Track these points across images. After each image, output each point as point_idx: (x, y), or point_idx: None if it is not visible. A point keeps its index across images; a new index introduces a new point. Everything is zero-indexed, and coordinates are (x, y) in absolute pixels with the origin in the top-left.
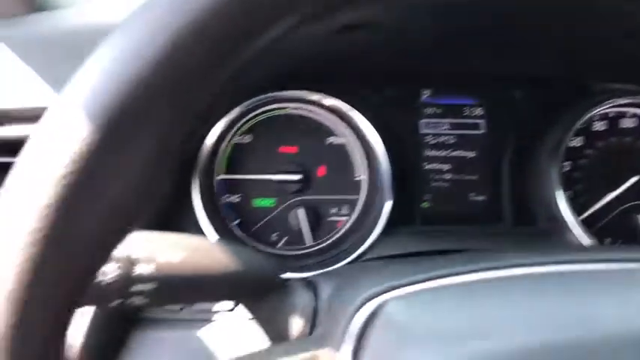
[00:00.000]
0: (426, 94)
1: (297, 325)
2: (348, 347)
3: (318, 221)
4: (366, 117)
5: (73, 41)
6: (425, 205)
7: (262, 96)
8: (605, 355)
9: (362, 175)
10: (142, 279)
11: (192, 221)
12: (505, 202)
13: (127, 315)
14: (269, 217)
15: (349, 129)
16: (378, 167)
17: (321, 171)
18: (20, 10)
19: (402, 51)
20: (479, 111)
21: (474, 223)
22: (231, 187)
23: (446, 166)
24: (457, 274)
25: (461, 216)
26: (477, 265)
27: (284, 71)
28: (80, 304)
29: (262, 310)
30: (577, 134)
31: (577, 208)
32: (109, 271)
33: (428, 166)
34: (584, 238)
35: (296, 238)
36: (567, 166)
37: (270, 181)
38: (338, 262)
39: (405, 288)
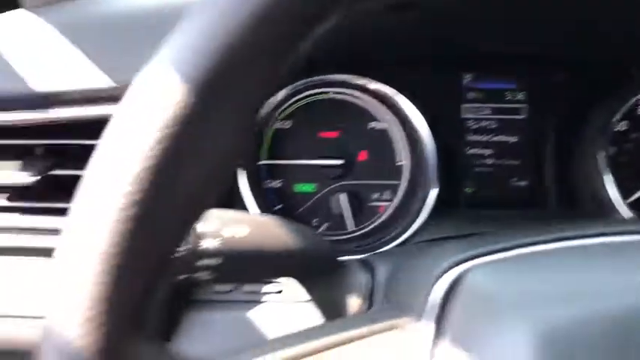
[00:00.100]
0: (467, 79)
1: (354, 303)
2: (430, 316)
3: (359, 206)
4: (410, 101)
5: (124, 24)
6: (468, 190)
7: (306, 80)
8: None
9: (404, 160)
10: (208, 253)
11: (239, 206)
12: (549, 187)
13: (181, 295)
14: (310, 202)
15: (392, 114)
16: (423, 152)
17: (362, 156)
18: None
19: (445, 34)
20: (520, 96)
21: (518, 208)
22: (272, 172)
23: (488, 151)
24: (536, 243)
25: (504, 201)
26: (556, 235)
27: (328, 53)
28: (169, 275)
29: (320, 289)
30: (622, 119)
31: (623, 193)
32: None
33: (470, 151)
34: None
35: (337, 223)
36: (612, 150)
37: (311, 166)
38: (381, 248)
39: (485, 257)
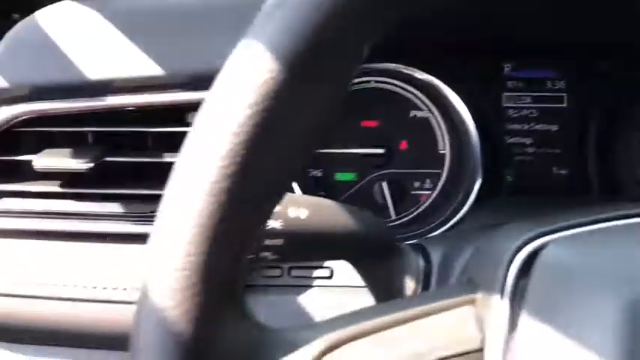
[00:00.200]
0: (508, 68)
1: (409, 286)
2: (507, 290)
3: (400, 195)
4: (453, 90)
5: (172, 12)
6: (509, 178)
7: None
8: None
9: (445, 148)
10: (272, 234)
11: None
12: (591, 175)
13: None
14: (351, 190)
15: (433, 103)
16: (467, 141)
17: (403, 145)
18: None
19: (489, 23)
20: (561, 84)
21: (560, 195)
22: (314, 160)
23: (528, 140)
24: (612, 219)
25: (546, 189)
26: (635, 211)
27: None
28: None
29: (376, 272)
30: None
31: None
32: None
33: (510, 140)
34: None
35: (378, 212)
36: None
37: (353, 155)
38: (424, 236)
39: (562, 232)
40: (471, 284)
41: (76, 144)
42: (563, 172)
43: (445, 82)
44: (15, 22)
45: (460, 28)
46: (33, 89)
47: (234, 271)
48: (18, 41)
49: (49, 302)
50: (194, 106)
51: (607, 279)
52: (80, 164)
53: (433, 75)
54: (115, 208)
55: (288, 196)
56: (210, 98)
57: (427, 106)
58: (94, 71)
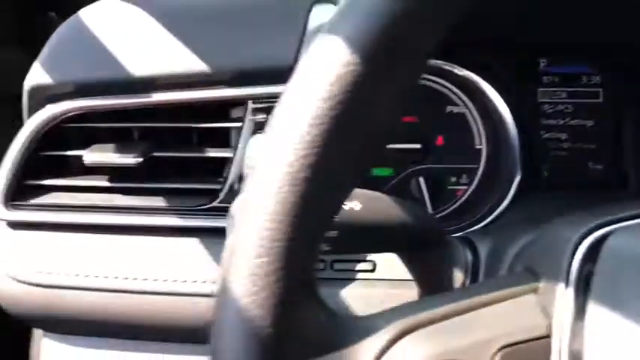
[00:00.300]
0: (543, 63)
1: (458, 278)
2: (572, 278)
3: (437, 190)
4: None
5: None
6: (545, 173)
7: None
8: None
9: (481, 144)
10: None
11: None
12: (627, 170)
13: None
14: (387, 186)
15: (469, 98)
16: (505, 137)
17: (440, 140)
18: None
19: (525, 19)
20: (597, 79)
21: (596, 191)
22: None
23: (564, 135)
24: None
25: (582, 184)
26: None
27: None
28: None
29: (424, 264)
30: None
31: None
32: None
33: (546, 135)
34: None
35: None
36: None
37: (389, 150)
38: (462, 231)
39: (626, 222)
40: (529, 274)
41: (120, 140)
42: (598, 167)
43: (483, 79)
44: (51, 20)
45: (496, 26)
46: (79, 86)
47: (312, 258)
48: (64, 40)
49: (102, 294)
50: (238, 102)
51: None
52: (130, 159)
53: (469, 70)
54: (161, 202)
55: None
56: (288, 92)
57: (463, 101)
58: (138, 68)
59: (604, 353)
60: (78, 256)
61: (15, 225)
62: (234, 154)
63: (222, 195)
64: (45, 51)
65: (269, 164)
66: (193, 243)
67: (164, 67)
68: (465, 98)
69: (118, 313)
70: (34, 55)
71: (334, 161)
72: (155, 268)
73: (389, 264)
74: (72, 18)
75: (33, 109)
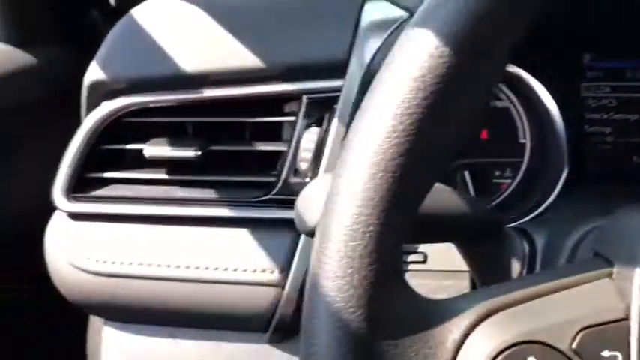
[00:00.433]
0: (587, 58)
1: (515, 269)
2: None
3: (482, 184)
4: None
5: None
6: (589, 167)
7: None
8: None
9: (525, 138)
10: None
11: None
12: None
13: None
14: None
15: (513, 92)
16: (551, 131)
17: (484, 134)
18: None
19: (571, 14)
20: None
21: None
22: None
23: (607, 129)
24: None
25: (626, 178)
26: None
27: None
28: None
29: (482, 254)
30: None
31: None
32: None
33: (590, 130)
34: None
35: None
36: None
37: None
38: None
39: None
40: (600, 259)
41: (174, 134)
42: None
43: (529, 73)
44: (93, 19)
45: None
46: (136, 83)
47: (400, 243)
48: (120, 38)
49: (160, 282)
50: (291, 97)
51: None
52: (189, 152)
53: (515, 65)
54: (218, 194)
55: None
56: (380, 81)
57: (507, 96)
58: (193, 64)
59: None
60: (137, 246)
61: (76, 216)
62: (289, 148)
63: (277, 188)
64: (102, 49)
65: (362, 152)
66: (249, 234)
67: (218, 62)
68: (509, 93)
69: (176, 301)
70: (81, 53)
71: (425, 149)
72: (211, 257)
73: (440, 256)
74: (126, 16)
75: (92, 105)
